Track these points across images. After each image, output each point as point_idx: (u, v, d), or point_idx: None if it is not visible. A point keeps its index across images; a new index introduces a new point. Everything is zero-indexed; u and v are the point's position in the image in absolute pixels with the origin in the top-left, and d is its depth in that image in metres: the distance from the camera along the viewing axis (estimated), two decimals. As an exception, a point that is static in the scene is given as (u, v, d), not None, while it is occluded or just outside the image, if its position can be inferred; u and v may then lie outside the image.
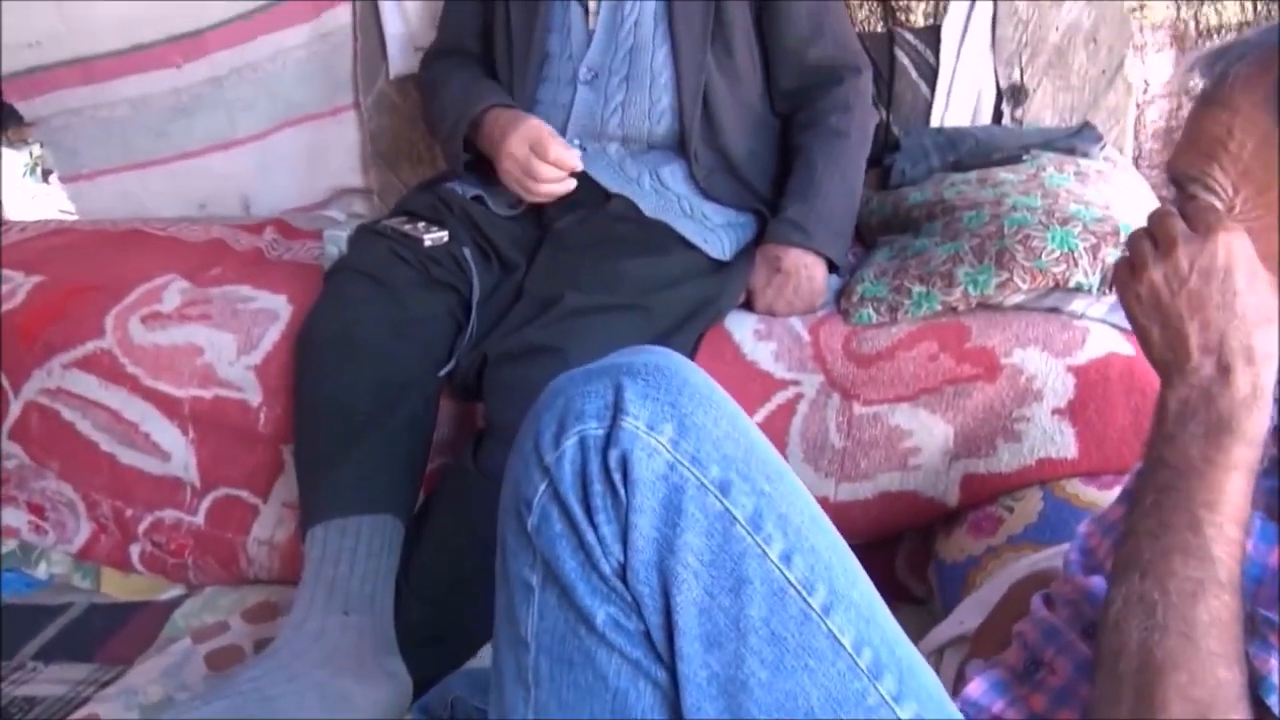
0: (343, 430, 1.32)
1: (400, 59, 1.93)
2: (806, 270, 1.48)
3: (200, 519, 1.52)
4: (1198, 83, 0.73)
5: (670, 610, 0.64)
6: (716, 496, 0.64)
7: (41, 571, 1.58)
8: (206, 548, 1.53)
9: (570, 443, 0.65)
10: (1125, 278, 0.69)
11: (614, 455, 0.64)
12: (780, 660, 0.64)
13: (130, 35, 1.92)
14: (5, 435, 1.54)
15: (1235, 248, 0.66)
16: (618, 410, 0.64)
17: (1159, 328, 0.67)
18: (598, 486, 0.64)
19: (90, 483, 1.53)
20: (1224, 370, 0.65)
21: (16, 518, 1.56)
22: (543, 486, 0.66)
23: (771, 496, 0.66)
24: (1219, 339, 0.65)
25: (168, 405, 1.49)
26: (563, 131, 1.52)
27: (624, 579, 0.65)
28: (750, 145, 1.57)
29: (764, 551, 0.65)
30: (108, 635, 1.44)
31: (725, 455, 0.65)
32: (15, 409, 1.53)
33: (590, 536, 0.65)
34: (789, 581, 0.65)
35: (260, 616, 1.44)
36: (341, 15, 1.97)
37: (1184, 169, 0.71)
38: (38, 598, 1.54)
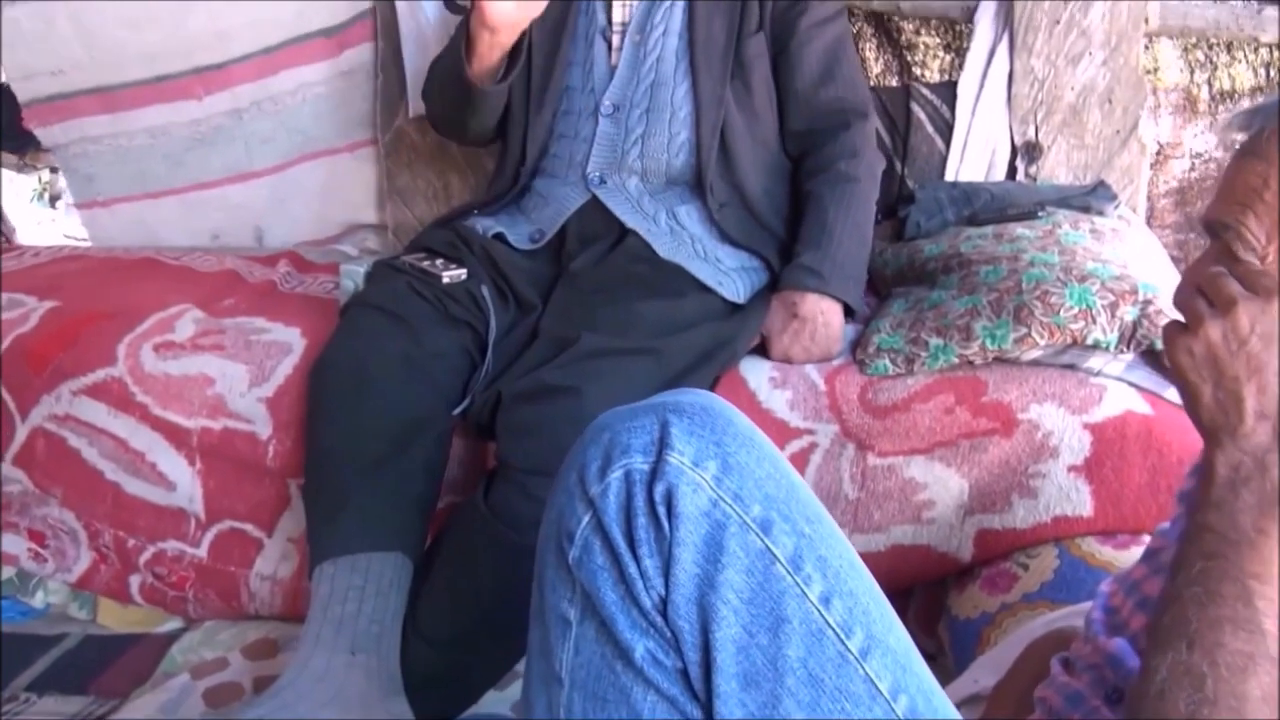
0: (355, 466, 1.31)
1: (420, 98, 1.94)
2: (824, 316, 1.48)
3: (203, 551, 1.50)
4: (1236, 139, 0.74)
5: (709, 647, 0.64)
6: (758, 535, 0.64)
7: (38, 600, 1.56)
8: (208, 581, 1.50)
9: (616, 475, 0.65)
10: (1176, 334, 0.68)
11: (659, 489, 0.64)
12: (817, 702, 0.64)
13: (155, 67, 1.94)
14: (9, 461, 1.52)
15: None
16: (663, 445, 0.64)
17: (1212, 387, 0.66)
18: (642, 519, 0.64)
19: (93, 511, 1.51)
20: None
21: (16, 545, 1.54)
22: (586, 518, 0.66)
23: (812, 538, 0.65)
24: (1275, 405, 0.64)
25: (176, 435, 1.48)
26: (584, 163, 1.55)
27: (664, 614, 0.65)
28: (765, 183, 1.59)
29: (803, 592, 0.64)
30: (103, 668, 1.42)
31: (767, 495, 0.65)
32: (21, 434, 1.51)
33: (632, 569, 0.64)
34: (827, 623, 0.64)
35: (260, 653, 1.41)
36: (363, 53, 2.00)
37: (1219, 217, 0.71)
38: (33, 627, 1.52)
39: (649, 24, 1.56)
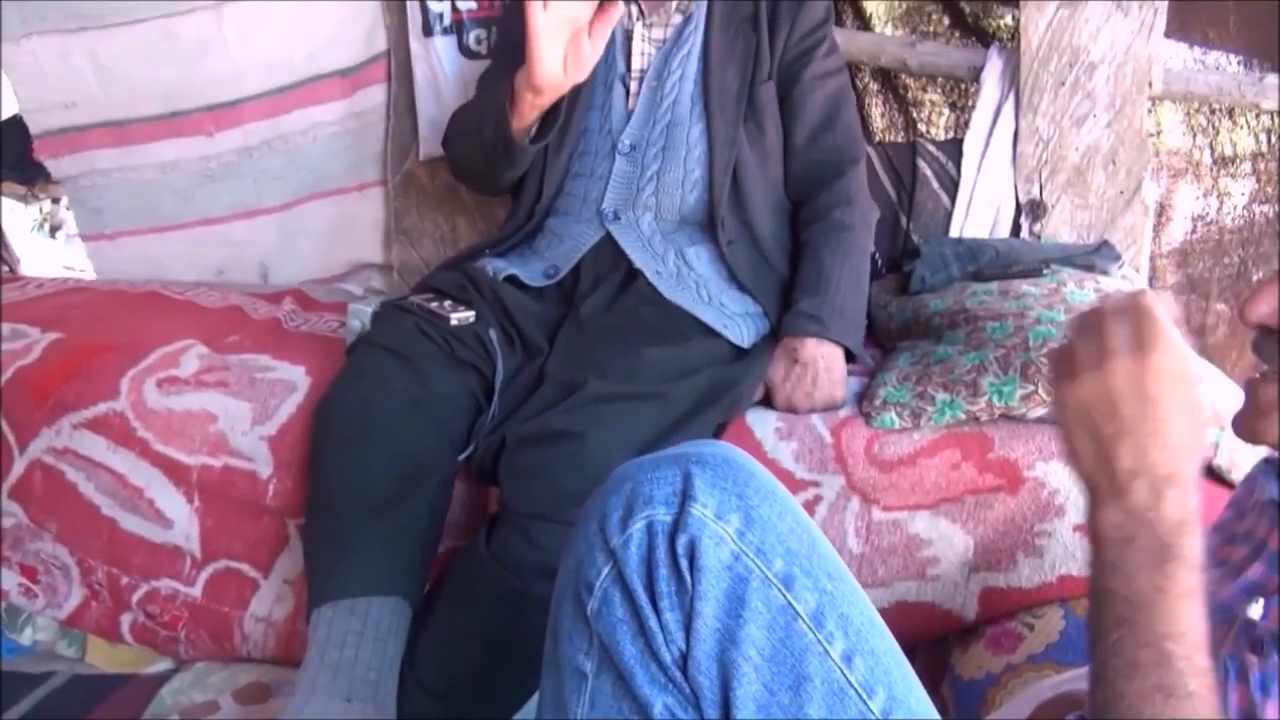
0: (357, 508, 1.29)
1: (431, 141, 1.96)
2: (825, 361, 1.48)
3: (197, 591, 1.47)
4: None
5: (729, 704, 0.63)
6: (780, 590, 0.63)
7: (26, 637, 1.53)
8: (201, 621, 1.48)
9: (638, 526, 0.64)
10: (1063, 374, 0.66)
11: (682, 541, 0.63)
12: None
13: (169, 102, 1.96)
14: (5, 494, 1.50)
15: (1166, 369, 0.63)
16: (686, 497, 0.64)
17: (1090, 440, 0.64)
18: (663, 572, 0.63)
19: (87, 547, 1.49)
20: (1156, 495, 0.63)
21: (8, 579, 1.51)
22: (606, 569, 0.65)
23: (833, 595, 0.64)
24: (1151, 462, 0.63)
25: (175, 472, 1.46)
26: (600, 200, 1.58)
27: (684, 669, 0.63)
28: (773, 224, 1.62)
29: (825, 650, 0.63)
30: (91, 708, 1.39)
31: (789, 549, 0.64)
32: (19, 467, 1.49)
33: (653, 623, 0.63)
34: (849, 683, 0.63)
35: (252, 697, 1.39)
36: (376, 95, 2.02)
37: None
38: (20, 664, 1.49)
39: (666, 70, 1.61)
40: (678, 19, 1.63)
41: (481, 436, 1.37)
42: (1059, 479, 1.35)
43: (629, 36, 1.63)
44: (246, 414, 1.47)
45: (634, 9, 1.63)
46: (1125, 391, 0.63)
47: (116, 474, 1.47)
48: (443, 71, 1.94)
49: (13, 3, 1.91)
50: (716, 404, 1.42)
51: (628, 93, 1.62)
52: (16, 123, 2.10)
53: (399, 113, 2.01)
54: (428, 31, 1.94)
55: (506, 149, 1.52)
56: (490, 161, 1.57)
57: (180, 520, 1.47)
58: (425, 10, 1.93)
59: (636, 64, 1.62)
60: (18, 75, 1.96)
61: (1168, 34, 1.87)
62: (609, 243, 1.55)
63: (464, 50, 1.94)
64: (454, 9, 1.93)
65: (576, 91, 1.58)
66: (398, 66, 1.99)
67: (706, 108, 1.58)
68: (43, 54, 1.92)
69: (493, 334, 1.44)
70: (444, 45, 1.94)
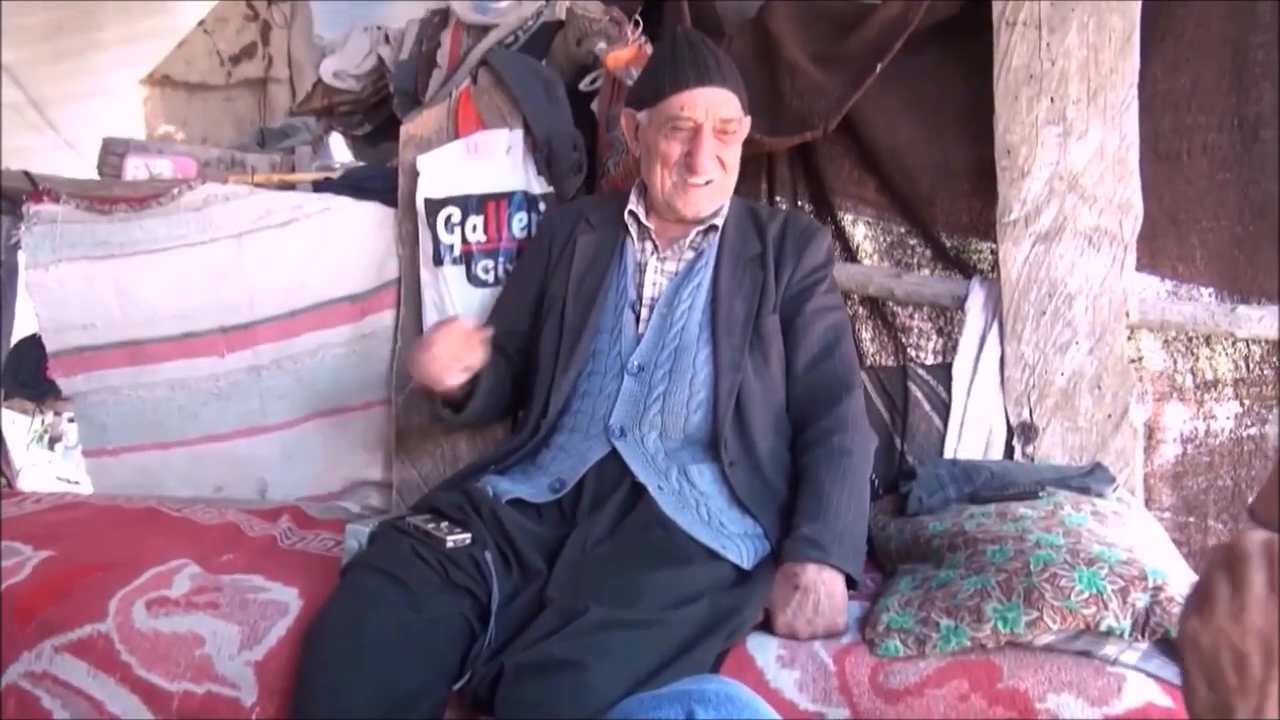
0: (342, 742, 1.24)
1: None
2: (826, 586, 1.47)
3: (163, 836, 1.38)
4: None
5: None
6: (788, 846, 0.60)
7: None
8: None
9: None
10: (1194, 608, 0.66)
11: None
12: None
13: (184, 324, 2.03)
14: (-26, 723, 1.44)
15: None
16: None
17: (1208, 688, 0.64)
18: None
19: (53, 783, 1.41)
20: None
21: (-42, 821, 1.42)
22: None
23: None
24: None
25: (155, 699, 1.40)
26: (607, 417, 1.62)
27: None
28: (774, 446, 1.65)
29: None
30: None
31: (796, 798, 0.61)
32: (-6, 693, 1.44)
33: None
34: None
35: None
36: (385, 319, 2.09)
37: None
38: None
39: (677, 299, 1.70)
40: (690, 255, 1.74)
41: (478, 663, 1.33)
42: (1071, 712, 1.30)
43: (641, 269, 1.73)
44: (235, 637, 1.43)
45: (648, 244, 1.75)
46: (1255, 649, 0.63)
47: (94, 701, 1.41)
48: (450, 298, 2.02)
49: (45, 231, 2.02)
50: (718, 632, 1.39)
51: (638, 319, 1.70)
52: (32, 341, 2.16)
53: (406, 336, 2.07)
54: (438, 261, 2.04)
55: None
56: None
57: (155, 754, 1.40)
58: (436, 242, 2.04)
59: (648, 293, 1.72)
60: (42, 298, 2.04)
61: (1139, 268, 1.97)
62: (614, 459, 1.58)
63: (471, 279, 2.03)
64: (464, 241, 2.04)
65: (587, 316, 1.66)
66: (407, 293, 2.07)
67: (713, 334, 1.66)
68: (69, 279, 2.01)
69: (489, 556, 1.43)
70: (453, 274, 2.03)
